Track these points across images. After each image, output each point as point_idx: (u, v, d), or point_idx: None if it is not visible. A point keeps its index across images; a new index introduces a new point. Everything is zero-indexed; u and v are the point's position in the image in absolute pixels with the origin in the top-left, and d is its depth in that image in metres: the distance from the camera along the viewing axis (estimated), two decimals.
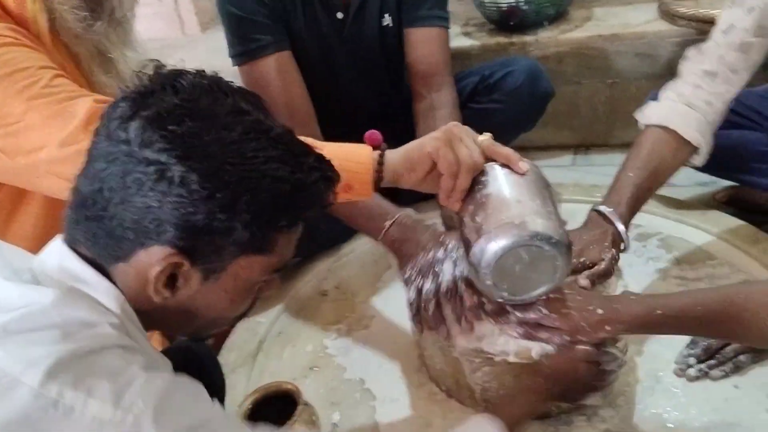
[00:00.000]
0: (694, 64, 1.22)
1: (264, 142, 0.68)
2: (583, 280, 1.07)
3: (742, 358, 1.09)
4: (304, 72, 1.49)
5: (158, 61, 1.19)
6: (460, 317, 1.03)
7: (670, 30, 1.87)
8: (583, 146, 2.11)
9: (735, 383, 1.09)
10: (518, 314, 0.98)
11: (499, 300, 0.96)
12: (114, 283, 0.69)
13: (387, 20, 1.56)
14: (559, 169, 2.04)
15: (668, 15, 1.89)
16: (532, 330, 0.98)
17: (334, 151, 0.79)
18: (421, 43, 1.52)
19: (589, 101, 2.04)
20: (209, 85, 0.70)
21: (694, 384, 1.10)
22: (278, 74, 1.43)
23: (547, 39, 1.99)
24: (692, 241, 1.42)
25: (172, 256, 0.67)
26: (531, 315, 0.97)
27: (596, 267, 1.10)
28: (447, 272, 1.06)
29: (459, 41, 2.09)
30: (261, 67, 1.44)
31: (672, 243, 1.42)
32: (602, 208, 1.17)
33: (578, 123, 2.08)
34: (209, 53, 2.33)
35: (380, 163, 0.95)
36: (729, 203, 1.64)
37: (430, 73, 1.52)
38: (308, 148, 0.72)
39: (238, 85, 0.73)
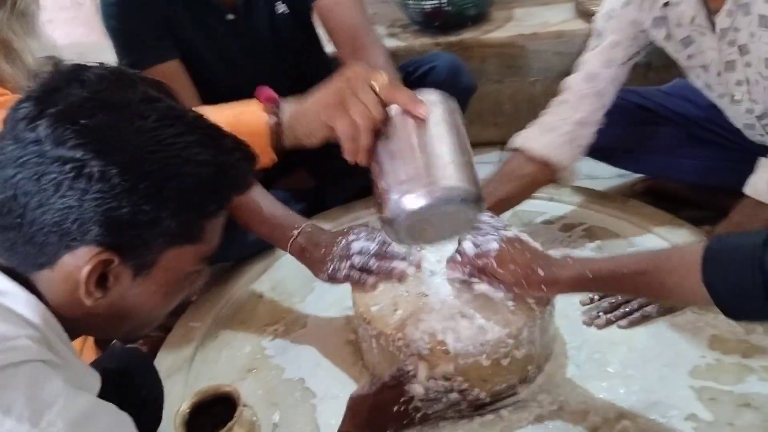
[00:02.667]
0: (556, 96, 1.41)
1: (181, 127, 0.66)
2: None
3: (648, 309, 1.21)
4: (205, 78, 1.45)
5: (57, 57, 1.17)
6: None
7: (587, 28, 1.93)
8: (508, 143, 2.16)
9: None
10: (468, 256, 1.08)
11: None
12: (38, 292, 0.67)
13: (281, 8, 1.53)
14: (487, 165, 2.08)
15: (584, 14, 1.97)
16: (476, 273, 1.08)
17: (224, 116, 0.77)
18: (332, 11, 1.47)
19: (512, 99, 2.10)
20: (115, 75, 0.68)
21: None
22: (167, 83, 1.40)
23: (470, 39, 2.03)
24: (613, 229, 1.49)
25: (100, 255, 0.64)
26: (480, 261, 1.06)
27: None
28: (367, 244, 1.14)
29: (385, 42, 2.10)
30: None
31: (595, 232, 1.49)
32: None
33: (503, 120, 2.14)
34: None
35: (278, 123, 0.93)
36: (647, 193, 1.72)
37: (350, 37, 1.46)
38: (223, 130, 0.71)
39: (142, 74, 0.72)
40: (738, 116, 1.32)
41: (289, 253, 1.24)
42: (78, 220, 0.63)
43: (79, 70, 0.67)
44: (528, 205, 1.53)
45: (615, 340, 1.21)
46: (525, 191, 1.38)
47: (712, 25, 1.20)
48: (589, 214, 1.55)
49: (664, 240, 1.42)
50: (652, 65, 1.74)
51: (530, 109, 2.08)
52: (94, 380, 0.73)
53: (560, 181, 1.40)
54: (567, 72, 1.97)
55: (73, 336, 0.72)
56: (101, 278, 0.66)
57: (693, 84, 1.37)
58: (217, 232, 0.73)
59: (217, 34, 1.49)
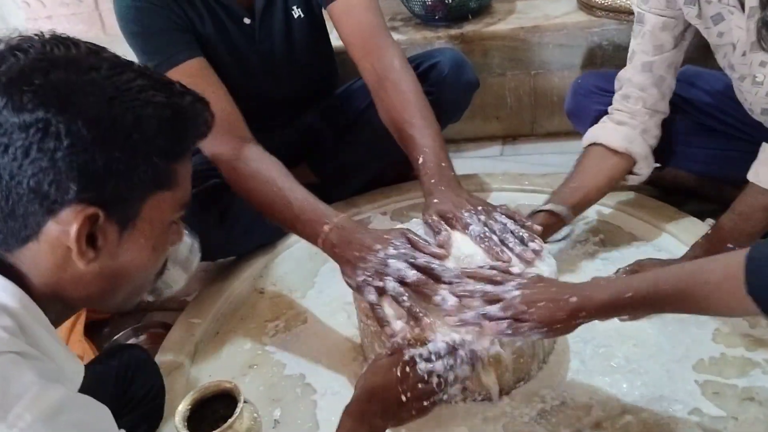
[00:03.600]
0: (616, 92, 1.40)
1: (132, 74, 0.67)
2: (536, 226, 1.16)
3: None
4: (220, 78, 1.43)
5: None
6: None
7: (589, 21, 1.93)
8: (510, 136, 2.16)
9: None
10: (495, 310, 0.99)
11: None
12: (20, 274, 0.66)
13: (297, 12, 1.54)
14: (488, 159, 2.08)
15: (586, 6, 1.95)
16: (511, 326, 0.97)
17: None
18: (346, 14, 1.44)
19: (515, 92, 2.08)
20: (54, 38, 0.68)
21: None
22: (194, 80, 1.38)
23: (472, 32, 2.02)
24: (616, 223, 1.48)
25: (85, 210, 0.64)
26: (505, 312, 0.98)
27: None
28: (405, 267, 1.05)
29: None
30: (176, 77, 1.39)
31: (598, 226, 1.48)
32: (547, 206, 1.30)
33: (505, 114, 2.12)
34: (132, 52, 2.27)
35: None
36: (651, 184, 1.70)
37: (364, 39, 1.42)
38: (169, 78, 0.73)
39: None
40: (757, 100, 1.30)
41: (321, 249, 1.18)
42: (54, 181, 0.63)
43: (15, 40, 0.67)
44: (531, 199, 1.52)
45: (619, 334, 1.20)
46: (608, 185, 1.38)
47: (742, 4, 1.18)
48: (592, 208, 1.53)
49: (667, 234, 1.41)
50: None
51: (532, 102, 2.08)
52: (76, 367, 0.72)
53: (637, 172, 1.40)
54: (569, 65, 1.98)
55: (61, 319, 0.72)
56: (90, 239, 0.66)
57: (719, 64, 1.34)
58: (188, 177, 0.74)
59: (233, 37, 1.49)
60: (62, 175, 0.62)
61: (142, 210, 0.69)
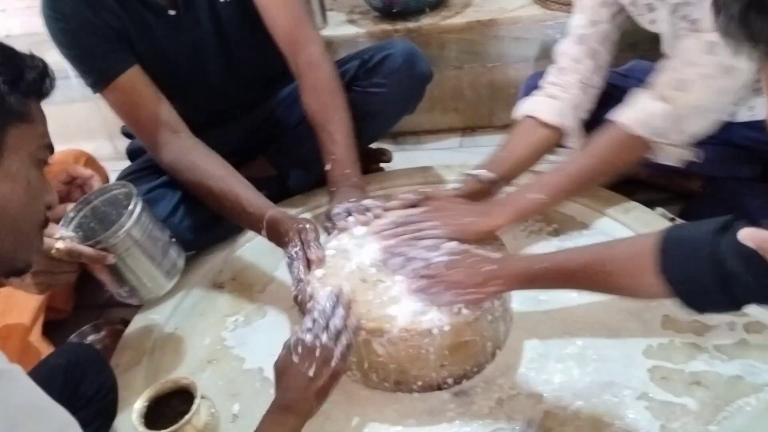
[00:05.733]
0: (552, 65, 1.45)
1: None
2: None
3: None
4: (156, 82, 1.44)
5: None
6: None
7: (544, 14, 1.96)
8: (469, 128, 2.17)
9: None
10: (419, 266, 1.12)
11: None
12: None
13: None
14: (447, 151, 2.09)
15: (541, 0, 1.98)
16: (425, 288, 1.09)
17: None
18: (271, 6, 1.46)
19: (472, 85, 2.10)
20: None
21: None
22: (131, 91, 1.39)
23: (430, 26, 2.03)
24: (569, 213, 1.50)
25: None
26: (427, 270, 1.10)
27: None
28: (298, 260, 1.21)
29: (344, 29, 2.10)
30: (115, 90, 1.40)
31: (551, 216, 1.50)
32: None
33: (463, 106, 2.14)
34: None
35: None
36: None
37: (290, 32, 1.46)
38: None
39: None
40: None
41: (265, 237, 1.33)
42: None
43: None
44: None
45: (570, 322, 1.23)
46: (537, 155, 1.42)
47: None
48: None
49: (618, 223, 1.44)
50: (638, 46, 1.75)
51: (490, 94, 2.10)
52: None
53: (566, 145, 1.44)
54: (525, 58, 2.01)
55: None
56: None
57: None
58: (44, 119, 0.80)
59: (158, 33, 1.45)
60: None
61: (6, 139, 0.73)
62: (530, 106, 1.43)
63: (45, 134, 0.80)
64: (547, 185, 1.27)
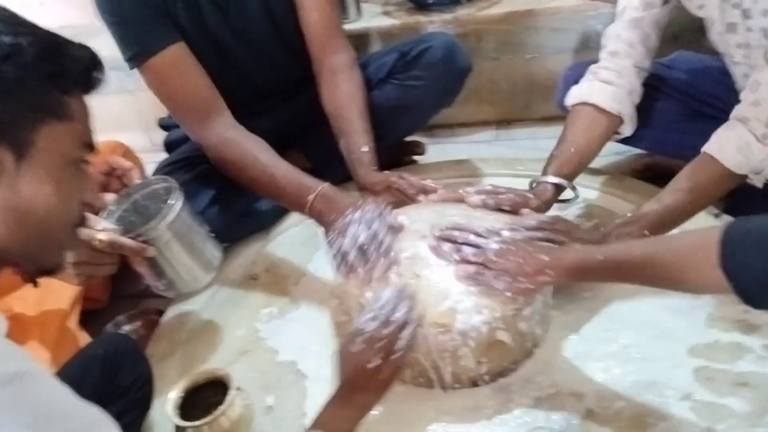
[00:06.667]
0: (602, 48, 1.39)
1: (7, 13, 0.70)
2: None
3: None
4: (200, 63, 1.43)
5: None
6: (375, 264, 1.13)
7: (584, 4, 1.92)
8: (504, 121, 2.15)
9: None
10: (468, 253, 1.09)
11: None
12: None
13: None
14: (482, 144, 2.07)
15: None
16: (472, 274, 1.07)
17: None
18: (313, 8, 1.47)
19: (509, 77, 2.07)
20: None
21: None
22: (174, 67, 1.38)
23: (466, 16, 2.00)
24: (610, 208, 1.47)
25: None
26: (477, 257, 1.07)
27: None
28: (362, 229, 1.17)
29: (379, 20, 2.08)
30: (156, 65, 1.38)
31: (592, 211, 1.47)
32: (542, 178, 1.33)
33: (499, 99, 2.11)
34: None
35: None
36: (645, 171, 1.70)
37: (325, 36, 1.49)
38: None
39: None
40: (738, 79, 1.30)
41: (309, 216, 1.32)
42: None
43: None
44: (524, 184, 1.51)
45: (613, 320, 1.20)
46: (599, 147, 1.37)
47: None
48: (585, 193, 1.53)
49: None
50: (681, 37, 1.71)
51: (527, 86, 2.07)
52: None
53: (622, 132, 1.40)
54: (563, 49, 1.97)
55: None
56: None
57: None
58: (85, 115, 0.74)
59: (207, 17, 1.46)
60: None
61: (36, 138, 0.68)
62: (585, 92, 1.37)
63: (84, 132, 0.74)
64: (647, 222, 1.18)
